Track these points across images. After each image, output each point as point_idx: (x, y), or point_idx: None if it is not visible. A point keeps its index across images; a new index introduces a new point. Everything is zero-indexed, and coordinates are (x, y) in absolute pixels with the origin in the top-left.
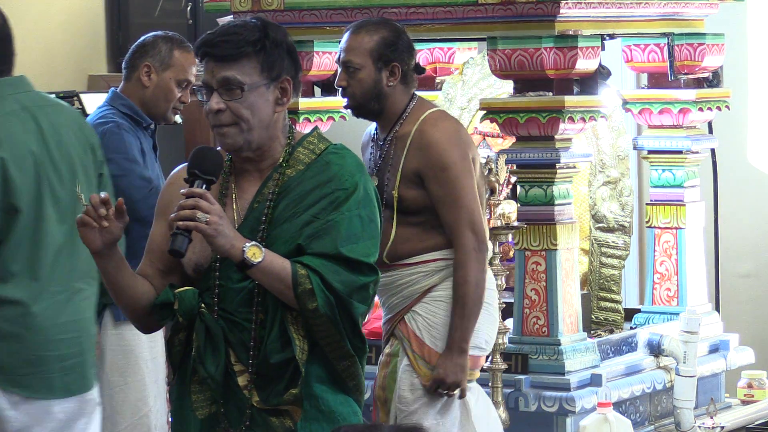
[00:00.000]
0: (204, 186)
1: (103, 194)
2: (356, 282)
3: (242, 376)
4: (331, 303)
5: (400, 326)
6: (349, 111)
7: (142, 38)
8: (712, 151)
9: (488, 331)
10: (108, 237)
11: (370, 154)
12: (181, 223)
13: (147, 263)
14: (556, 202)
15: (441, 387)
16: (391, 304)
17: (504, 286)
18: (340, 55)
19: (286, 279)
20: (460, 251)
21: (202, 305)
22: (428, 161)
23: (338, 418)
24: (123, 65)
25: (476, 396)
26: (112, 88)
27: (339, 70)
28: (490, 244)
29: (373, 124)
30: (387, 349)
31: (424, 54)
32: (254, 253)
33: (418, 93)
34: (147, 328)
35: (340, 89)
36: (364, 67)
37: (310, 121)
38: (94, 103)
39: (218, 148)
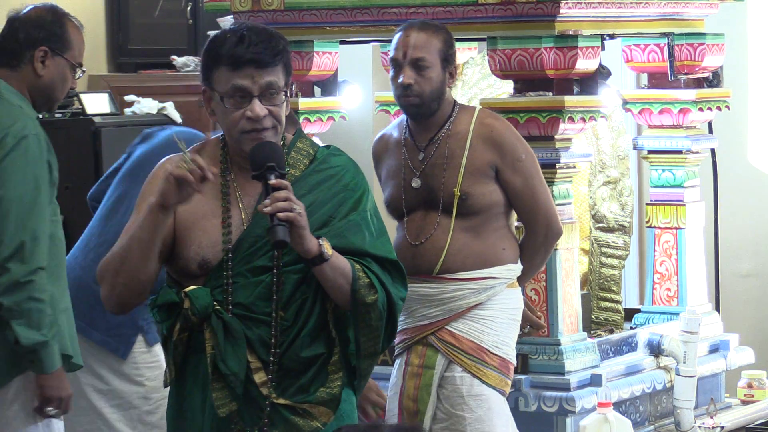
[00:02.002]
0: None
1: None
2: (396, 282)
3: (258, 373)
4: (384, 298)
5: (440, 334)
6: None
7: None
8: (712, 151)
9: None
10: (183, 197)
11: (398, 159)
12: (281, 214)
13: None
14: (556, 202)
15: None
16: (427, 314)
17: None
18: (405, 52)
19: (348, 274)
20: (531, 239)
21: (215, 303)
22: (503, 153)
23: (342, 414)
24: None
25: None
26: None
27: (400, 67)
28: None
29: (390, 128)
30: (416, 360)
31: None
32: (327, 247)
33: None
34: (124, 306)
35: (402, 88)
36: (434, 66)
37: (310, 121)
38: (94, 103)
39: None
